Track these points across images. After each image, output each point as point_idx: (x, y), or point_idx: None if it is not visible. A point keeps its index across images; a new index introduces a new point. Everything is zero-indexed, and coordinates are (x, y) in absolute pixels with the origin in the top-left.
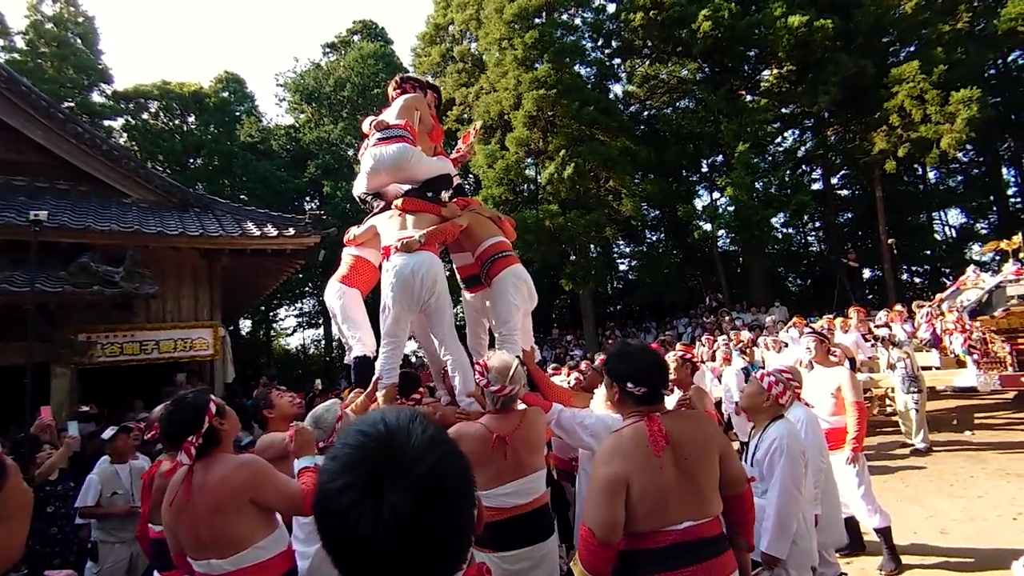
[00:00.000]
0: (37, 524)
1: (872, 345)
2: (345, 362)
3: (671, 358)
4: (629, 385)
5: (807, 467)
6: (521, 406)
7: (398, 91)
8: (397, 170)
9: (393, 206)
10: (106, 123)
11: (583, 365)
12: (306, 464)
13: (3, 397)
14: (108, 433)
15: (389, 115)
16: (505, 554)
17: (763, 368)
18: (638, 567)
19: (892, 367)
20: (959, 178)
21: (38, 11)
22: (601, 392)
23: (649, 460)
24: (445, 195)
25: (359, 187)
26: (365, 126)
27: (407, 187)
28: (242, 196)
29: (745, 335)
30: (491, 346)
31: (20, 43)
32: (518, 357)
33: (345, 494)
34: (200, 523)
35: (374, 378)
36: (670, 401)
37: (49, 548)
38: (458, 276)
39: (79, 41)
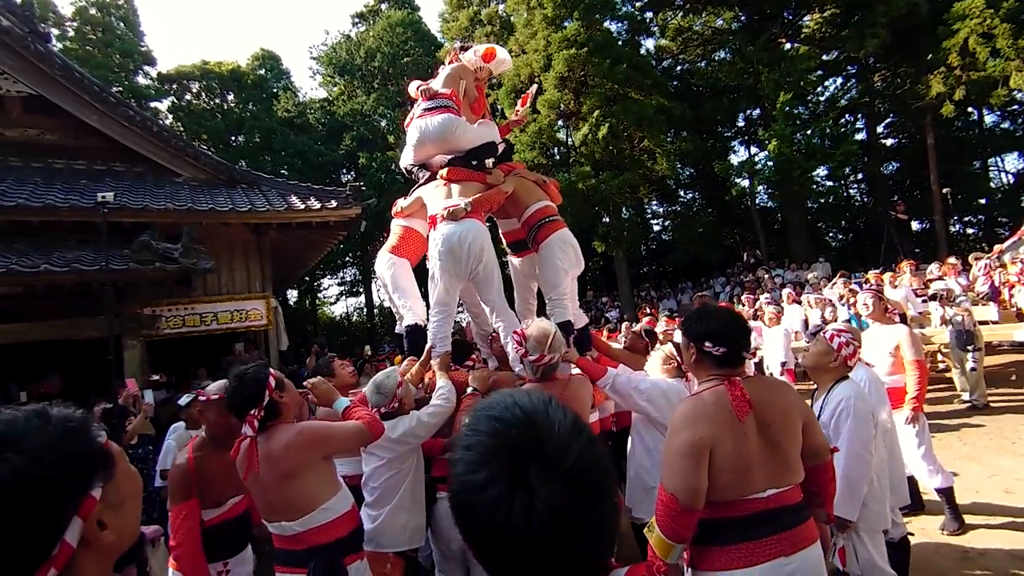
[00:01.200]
0: None
1: (924, 300)
2: (396, 331)
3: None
4: (707, 344)
5: (876, 428)
6: (575, 370)
7: (451, 59)
8: (442, 141)
9: (438, 176)
10: (152, 105)
11: (623, 328)
12: (344, 404)
13: (80, 367)
14: (184, 400)
15: (436, 83)
16: None
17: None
18: (720, 535)
19: (946, 322)
20: (1019, 121)
21: None
22: (658, 356)
23: (733, 425)
24: (490, 161)
25: (405, 159)
26: (412, 89)
27: (452, 156)
28: (282, 171)
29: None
30: (539, 310)
31: (70, 31)
32: (571, 323)
33: (491, 488)
34: (269, 491)
35: (427, 346)
36: None
37: None
38: (504, 241)
39: (122, 25)
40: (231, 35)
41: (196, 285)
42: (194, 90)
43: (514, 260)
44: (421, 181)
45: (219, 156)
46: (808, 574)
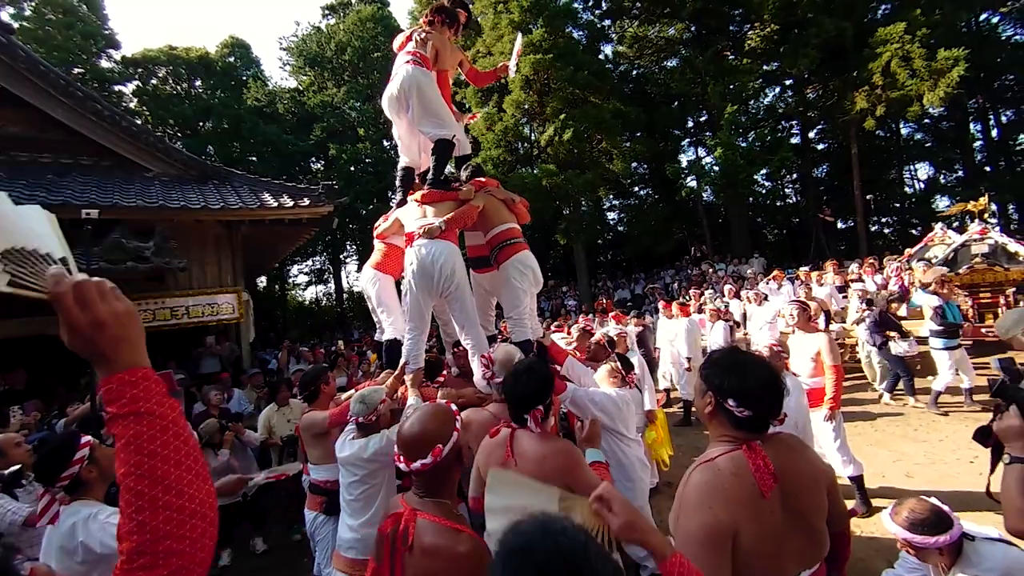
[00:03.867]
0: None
1: (844, 296)
2: (376, 339)
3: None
4: (731, 402)
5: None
6: None
7: (428, 23)
8: (405, 95)
9: (412, 200)
10: (116, 88)
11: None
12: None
13: (52, 365)
14: None
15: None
16: None
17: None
18: None
19: (858, 322)
20: (930, 134)
21: None
22: (604, 370)
23: (758, 504)
24: (464, 174)
25: (402, 158)
26: (396, 43)
27: (427, 167)
28: (251, 159)
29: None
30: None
31: (27, 10)
32: (531, 341)
33: None
34: None
35: (401, 362)
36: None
37: None
38: (468, 254)
39: (84, 7)
40: (199, 22)
41: (167, 280)
42: (160, 75)
43: (475, 274)
44: (395, 203)
45: (186, 143)
46: None
